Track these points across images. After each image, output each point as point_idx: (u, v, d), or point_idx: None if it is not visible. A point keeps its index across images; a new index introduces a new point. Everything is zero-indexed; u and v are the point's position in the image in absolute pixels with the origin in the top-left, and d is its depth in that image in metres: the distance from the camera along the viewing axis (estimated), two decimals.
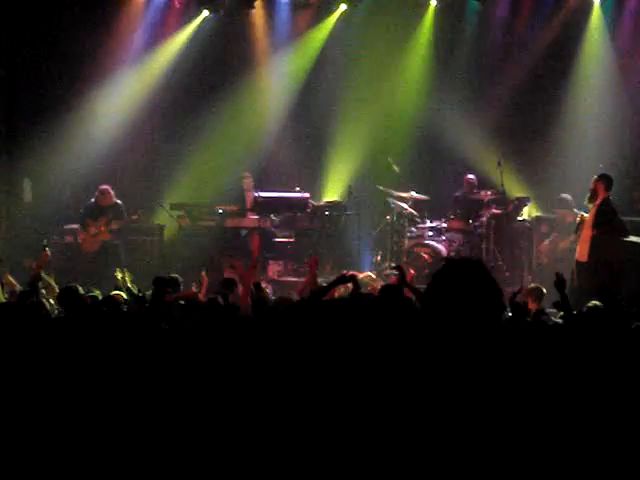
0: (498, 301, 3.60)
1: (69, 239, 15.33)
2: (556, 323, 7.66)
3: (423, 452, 3.48)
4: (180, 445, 5.06)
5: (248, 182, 16.37)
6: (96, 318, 7.13)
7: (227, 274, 12.73)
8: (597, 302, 9.19)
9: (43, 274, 10.16)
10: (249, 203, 16.26)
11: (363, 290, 8.72)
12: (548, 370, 4.67)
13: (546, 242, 14.82)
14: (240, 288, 9.24)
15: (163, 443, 5.11)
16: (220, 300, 8.08)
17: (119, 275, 10.56)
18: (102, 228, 14.98)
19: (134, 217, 15.30)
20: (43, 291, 9.67)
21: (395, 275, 14.06)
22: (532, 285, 10.96)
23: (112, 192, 15.22)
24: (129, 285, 10.30)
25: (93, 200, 15.26)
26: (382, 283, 10.90)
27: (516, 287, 12.83)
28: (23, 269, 14.65)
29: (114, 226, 15.04)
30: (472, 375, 3.52)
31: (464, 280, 3.55)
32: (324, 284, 11.96)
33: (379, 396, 3.94)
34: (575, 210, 13.90)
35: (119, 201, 15.30)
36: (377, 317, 6.28)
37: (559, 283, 7.21)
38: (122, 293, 9.71)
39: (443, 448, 3.46)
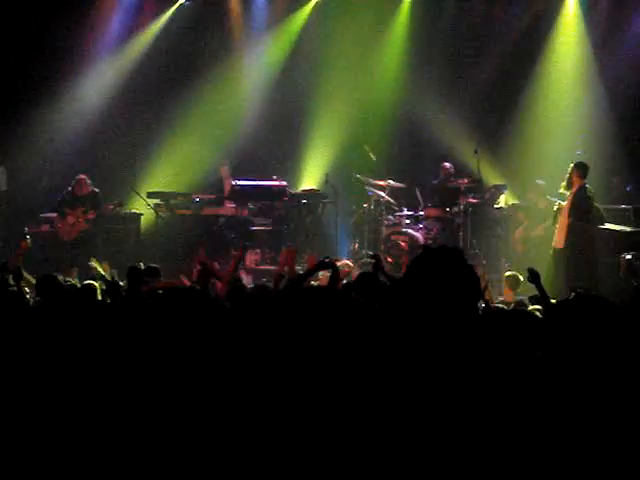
0: (475, 288, 3.61)
1: (45, 228, 15.24)
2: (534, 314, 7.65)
3: (404, 445, 3.49)
4: (158, 433, 5.05)
5: (225, 170, 16.37)
6: (73, 306, 7.09)
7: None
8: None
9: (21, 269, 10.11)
10: (227, 191, 16.25)
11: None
12: (528, 360, 4.67)
13: (520, 229, 14.88)
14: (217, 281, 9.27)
15: (140, 431, 5.09)
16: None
17: (94, 264, 10.51)
18: (80, 217, 14.92)
19: (110, 207, 15.24)
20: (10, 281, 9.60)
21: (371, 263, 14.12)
22: (508, 272, 11.00)
23: (89, 181, 15.15)
24: (104, 274, 10.25)
25: (70, 189, 15.18)
26: (359, 271, 10.88)
27: (494, 274, 12.98)
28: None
29: (91, 215, 14.98)
30: (449, 363, 3.52)
31: (441, 267, 3.55)
32: (301, 272, 12.01)
33: (357, 384, 3.94)
34: (549, 197, 13.95)
35: (97, 190, 15.23)
36: (353, 305, 6.28)
37: (533, 277, 7.20)
38: (96, 283, 9.67)
39: (422, 440, 3.46)
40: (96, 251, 14.56)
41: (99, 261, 10.69)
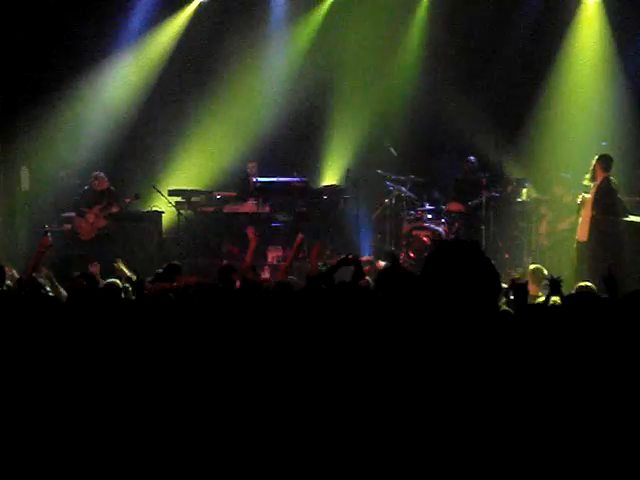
0: (494, 282, 3.57)
1: (67, 227, 15.26)
2: (553, 306, 7.59)
3: (419, 441, 3.46)
4: (177, 433, 5.05)
5: (253, 167, 16.38)
6: (98, 304, 7.09)
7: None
8: (588, 284, 9.18)
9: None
10: (252, 188, 16.29)
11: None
12: (548, 356, 4.62)
13: (544, 223, 14.78)
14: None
15: (160, 429, 5.09)
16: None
17: (120, 265, 10.51)
18: (98, 214, 14.93)
19: (127, 201, 15.23)
20: (41, 280, 9.61)
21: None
22: (532, 266, 10.91)
23: (105, 178, 15.17)
24: (128, 274, 10.27)
25: (87, 187, 15.21)
26: (383, 263, 10.83)
27: (516, 269, 12.90)
28: (23, 258, 14.71)
29: (110, 212, 14.99)
30: (469, 359, 3.48)
31: (458, 262, 3.52)
32: (324, 268, 11.98)
33: (377, 379, 3.92)
34: (573, 190, 13.85)
35: (112, 187, 15.25)
36: (374, 302, 6.26)
37: (554, 287, 7.09)
38: (118, 281, 9.68)
39: (441, 435, 3.43)
40: (117, 250, 14.58)
41: (122, 262, 10.66)
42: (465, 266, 3.52)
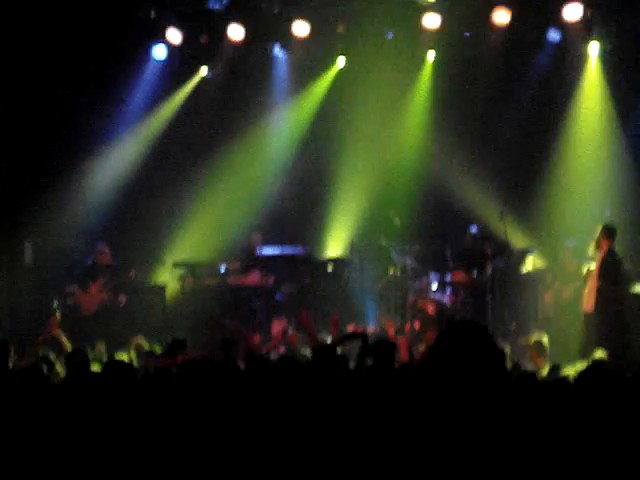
0: (500, 365, 3.52)
1: (70, 301, 15.21)
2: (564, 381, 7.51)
3: None
4: None
5: (257, 238, 16.39)
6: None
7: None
8: (599, 353, 9.10)
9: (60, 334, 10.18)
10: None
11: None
12: (559, 432, 4.56)
13: (550, 293, 14.72)
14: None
15: None
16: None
17: (139, 341, 10.54)
18: (101, 288, 14.91)
19: (131, 274, 15.24)
20: (51, 356, 9.57)
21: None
22: (532, 339, 10.81)
23: (108, 251, 15.18)
24: (146, 349, 10.29)
25: (90, 261, 15.21)
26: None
27: (521, 338, 12.81)
28: (25, 332, 14.65)
29: (112, 285, 14.98)
30: (474, 437, 3.43)
31: (465, 345, 3.48)
32: (328, 341, 11.93)
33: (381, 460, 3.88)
34: (578, 258, 13.82)
35: (116, 259, 15.27)
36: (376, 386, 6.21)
37: None
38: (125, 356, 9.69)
39: None
40: (121, 322, 14.56)
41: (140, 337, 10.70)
42: (471, 349, 3.48)
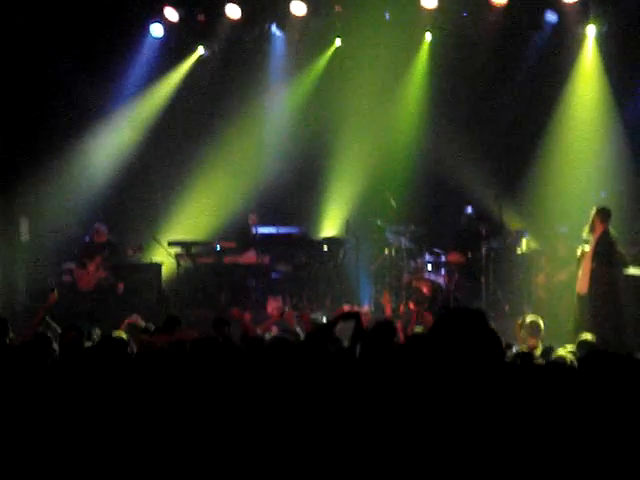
0: (497, 351, 3.56)
1: (67, 278, 15.26)
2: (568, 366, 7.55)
3: None
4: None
5: (253, 218, 16.43)
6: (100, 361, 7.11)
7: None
8: (587, 336, 9.15)
9: (47, 319, 10.22)
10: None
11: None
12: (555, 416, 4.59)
13: (543, 275, 14.77)
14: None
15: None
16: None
17: (136, 320, 10.59)
18: (99, 266, 14.95)
19: (130, 252, 15.28)
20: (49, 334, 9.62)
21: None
22: (529, 319, 10.87)
23: (105, 229, 15.22)
24: (143, 326, 10.35)
25: (87, 238, 15.25)
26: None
27: (516, 319, 12.85)
28: (22, 308, 14.69)
29: (110, 263, 15.03)
30: (471, 420, 3.47)
31: (463, 331, 3.51)
32: (324, 320, 11.99)
33: (376, 437, 3.91)
34: (570, 242, 13.85)
35: (112, 238, 15.30)
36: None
37: None
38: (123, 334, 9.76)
39: None
40: (117, 301, 14.61)
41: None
42: (469, 335, 3.52)
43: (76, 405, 5.83)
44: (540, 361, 7.85)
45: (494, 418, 3.48)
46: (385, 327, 7.94)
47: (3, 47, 15.26)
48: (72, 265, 15.21)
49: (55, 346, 9.01)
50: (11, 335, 9.43)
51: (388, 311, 10.05)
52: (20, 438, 5.58)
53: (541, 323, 10.51)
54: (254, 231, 16.33)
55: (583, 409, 4.67)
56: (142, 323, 10.49)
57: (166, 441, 5.34)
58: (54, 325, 10.29)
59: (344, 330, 7.70)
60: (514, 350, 9.06)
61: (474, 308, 3.71)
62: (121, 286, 15.12)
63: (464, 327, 3.50)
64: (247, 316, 10.79)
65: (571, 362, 7.02)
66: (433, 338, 3.53)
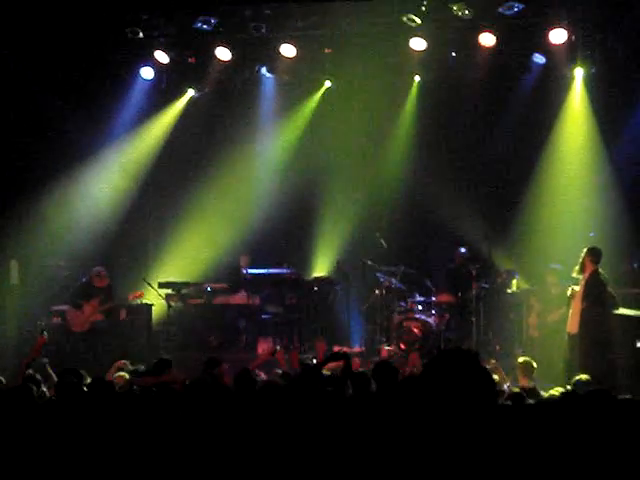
0: (490, 391, 3.57)
1: (56, 321, 15.20)
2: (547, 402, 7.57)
3: None
4: None
5: (245, 259, 16.46)
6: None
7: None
8: (583, 376, 9.16)
9: (46, 364, 10.25)
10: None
11: None
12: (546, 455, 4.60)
13: (534, 315, 14.79)
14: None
15: None
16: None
17: (124, 363, 10.62)
18: (96, 308, 14.92)
19: (130, 297, 15.28)
20: (38, 376, 9.59)
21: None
22: (521, 359, 10.90)
23: (107, 275, 15.21)
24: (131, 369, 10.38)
25: (85, 280, 15.22)
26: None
27: (508, 360, 12.85)
28: (12, 351, 14.63)
29: (106, 307, 15.00)
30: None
31: (455, 372, 3.52)
32: (314, 361, 11.97)
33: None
34: (563, 282, 13.87)
35: (110, 282, 15.30)
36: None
37: None
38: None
39: None
40: (109, 343, 14.57)
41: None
42: (462, 376, 3.52)
43: (68, 448, 5.81)
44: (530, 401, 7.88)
45: (487, 459, 3.48)
46: (385, 368, 7.97)
47: None
48: (64, 307, 15.15)
49: (44, 388, 9.00)
50: (0, 378, 9.41)
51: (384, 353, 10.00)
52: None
53: (533, 364, 10.54)
54: (245, 272, 16.34)
55: (576, 448, 4.68)
56: (129, 367, 10.51)
57: None
58: (50, 372, 10.29)
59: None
60: (505, 390, 9.07)
61: (466, 349, 3.72)
62: (123, 313, 15.13)
63: (457, 368, 3.51)
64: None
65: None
66: (425, 379, 3.53)
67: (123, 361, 10.82)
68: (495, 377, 9.48)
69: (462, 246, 15.97)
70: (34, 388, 7.88)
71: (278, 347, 12.57)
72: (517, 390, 9.12)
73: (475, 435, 3.44)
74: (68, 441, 5.90)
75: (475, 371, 3.52)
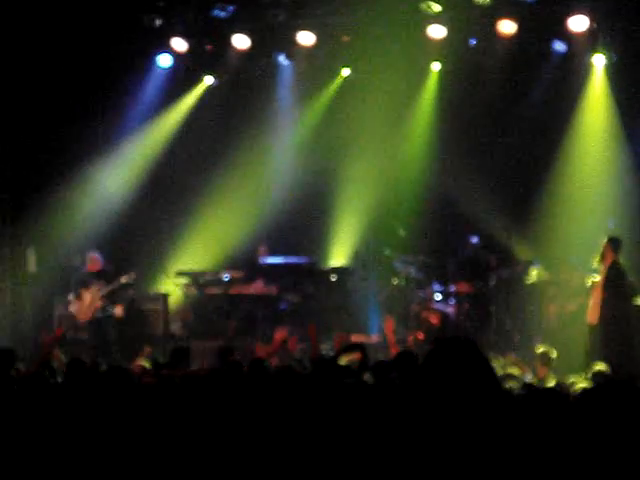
0: (490, 380, 3.50)
1: (64, 310, 15.20)
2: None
3: None
4: None
5: (263, 249, 16.41)
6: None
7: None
8: (602, 366, 9.06)
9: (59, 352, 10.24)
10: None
11: None
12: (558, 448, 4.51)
13: (553, 305, 14.68)
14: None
15: None
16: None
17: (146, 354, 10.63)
18: (95, 295, 14.83)
19: (123, 279, 15.08)
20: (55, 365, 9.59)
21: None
22: (541, 349, 10.83)
23: (100, 257, 15.11)
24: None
25: (82, 268, 15.18)
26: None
27: (527, 350, 12.76)
28: (28, 339, 14.65)
29: (106, 291, 14.89)
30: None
31: (454, 362, 3.46)
32: (330, 353, 11.91)
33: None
34: (581, 272, 13.77)
35: (107, 266, 15.19)
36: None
37: None
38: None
39: None
40: (115, 331, 14.54)
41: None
42: (460, 365, 3.46)
43: (82, 434, 5.78)
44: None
45: (488, 449, 3.41)
46: (407, 357, 7.88)
47: (10, 76, 15.25)
48: (71, 296, 15.12)
49: (59, 378, 8.97)
50: (18, 365, 9.39)
51: (391, 340, 9.79)
52: (21, 468, 5.53)
53: (553, 353, 10.45)
54: (262, 261, 16.28)
55: (587, 439, 4.61)
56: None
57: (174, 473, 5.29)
58: (62, 357, 10.27)
59: None
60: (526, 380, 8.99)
61: (465, 337, 3.65)
62: (119, 310, 14.97)
63: (455, 357, 3.45)
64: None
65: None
66: (424, 369, 3.48)
67: (147, 349, 10.79)
68: (515, 371, 9.39)
69: (478, 235, 15.87)
70: (49, 376, 7.86)
71: (289, 338, 12.50)
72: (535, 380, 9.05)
73: (474, 424, 3.38)
74: (81, 428, 5.86)
75: (473, 360, 3.45)
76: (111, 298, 14.93)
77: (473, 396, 3.40)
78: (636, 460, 4.34)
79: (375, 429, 4.95)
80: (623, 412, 4.76)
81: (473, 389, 3.40)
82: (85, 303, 14.84)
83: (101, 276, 14.98)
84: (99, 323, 14.76)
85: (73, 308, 14.89)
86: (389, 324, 10.10)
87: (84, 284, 14.93)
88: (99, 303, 14.85)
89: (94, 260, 15.05)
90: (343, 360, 8.68)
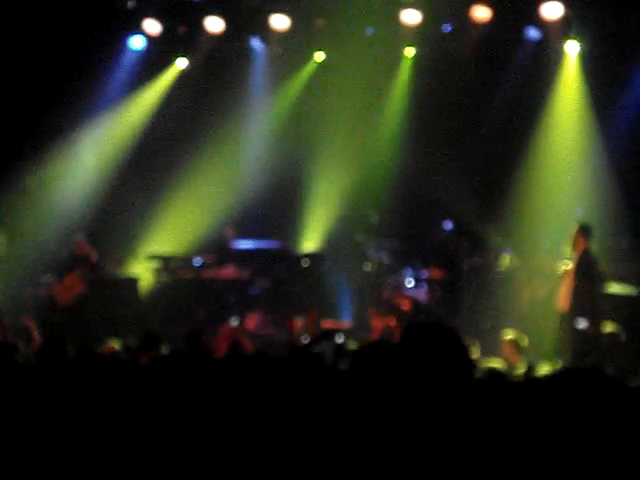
0: (466, 368, 3.48)
1: (44, 292, 15.09)
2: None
3: None
4: None
5: (229, 230, 16.33)
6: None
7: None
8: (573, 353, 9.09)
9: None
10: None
11: None
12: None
13: (525, 291, 14.72)
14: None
15: None
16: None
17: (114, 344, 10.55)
18: (78, 279, 14.80)
19: (110, 268, 15.13)
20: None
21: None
22: (510, 336, 10.84)
23: (86, 243, 15.07)
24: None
25: (68, 252, 15.10)
26: None
27: (498, 336, 12.78)
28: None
29: (88, 277, 14.85)
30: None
31: (425, 347, 3.43)
32: (305, 341, 11.88)
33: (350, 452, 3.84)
34: (553, 257, 13.82)
35: (93, 251, 15.14)
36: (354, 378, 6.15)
37: None
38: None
39: None
40: (94, 316, 14.45)
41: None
42: (432, 350, 3.44)
43: (50, 417, 5.72)
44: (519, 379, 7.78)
45: (457, 434, 3.39)
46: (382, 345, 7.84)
47: None
48: (51, 279, 15.04)
49: (23, 350, 8.90)
50: None
51: (376, 327, 9.81)
52: None
53: (523, 340, 10.47)
54: (232, 245, 16.20)
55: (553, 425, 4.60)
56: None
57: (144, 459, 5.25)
58: (35, 335, 10.22)
59: None
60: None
61: (439, 323, 3.62)
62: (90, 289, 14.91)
63: (428, 342, 3.43)
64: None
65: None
66: (400, 353, 3.46)
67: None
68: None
69: (450, 221, 15.88)
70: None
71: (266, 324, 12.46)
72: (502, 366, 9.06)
73: (448, 409, 3.36)
74: (50, 410, 5.80)
75: (449, 345, 3.44)
76: (93, 283, 14.92)
77: (447, 382, 3.38)
78: (593, 450, 4.34)
79: (349, 416, 4.94)
80: (584, 399, 4.76)
81: (448, 374, 3.39)
82: (66, 286, 14.78)
83: (87, 261, 14.92)
84: (79, 308, 14.70)
85: (55, 291, 14.83)
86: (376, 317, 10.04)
87: (67, 267, 14.87)
88: (80, 288, 14.80)
89: (81, 244, 14.99)
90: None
